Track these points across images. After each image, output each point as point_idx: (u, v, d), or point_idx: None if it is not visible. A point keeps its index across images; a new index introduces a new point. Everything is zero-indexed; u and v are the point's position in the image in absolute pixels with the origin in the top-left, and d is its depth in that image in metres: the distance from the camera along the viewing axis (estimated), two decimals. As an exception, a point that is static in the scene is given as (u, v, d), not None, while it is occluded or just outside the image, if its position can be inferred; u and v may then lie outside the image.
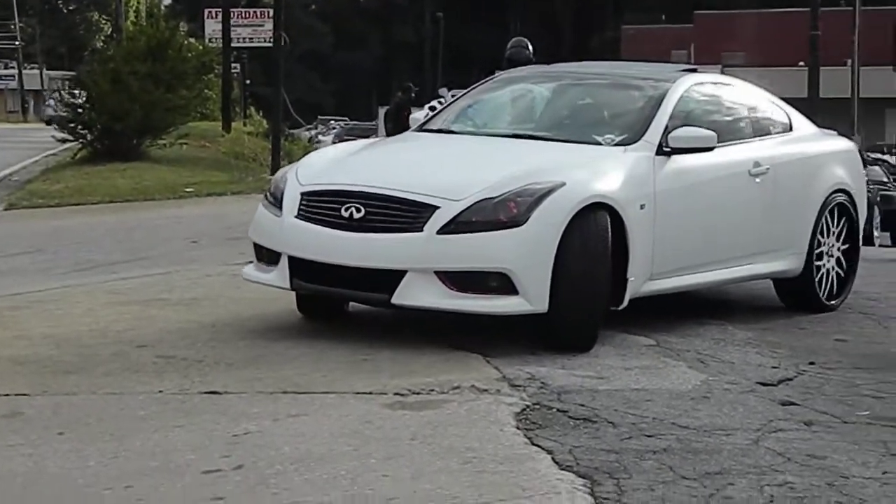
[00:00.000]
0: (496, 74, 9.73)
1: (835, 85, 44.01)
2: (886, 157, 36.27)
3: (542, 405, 6.21)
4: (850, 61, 45.24)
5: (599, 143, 8.26)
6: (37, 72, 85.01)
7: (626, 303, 7.79)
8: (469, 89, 9.62)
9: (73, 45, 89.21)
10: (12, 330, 7.99)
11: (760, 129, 9.28)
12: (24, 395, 6.35)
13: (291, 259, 7.63)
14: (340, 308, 8.34)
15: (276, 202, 7.88)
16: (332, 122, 66.72)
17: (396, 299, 7.29)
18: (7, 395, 6.35)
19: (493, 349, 7.34)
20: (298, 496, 4.87)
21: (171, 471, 5.17)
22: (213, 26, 38.57)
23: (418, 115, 9.52)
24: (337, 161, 8.21)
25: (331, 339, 7.63)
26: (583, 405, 6.25)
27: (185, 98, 28.07)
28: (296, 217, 7.67)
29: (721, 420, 6.14)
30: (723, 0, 65.56)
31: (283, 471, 5.15)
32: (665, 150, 8.17)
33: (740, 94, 9.43)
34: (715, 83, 9.30)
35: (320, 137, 50.49)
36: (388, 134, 18.78)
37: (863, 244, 10.06)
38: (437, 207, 7.30)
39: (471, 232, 7.25)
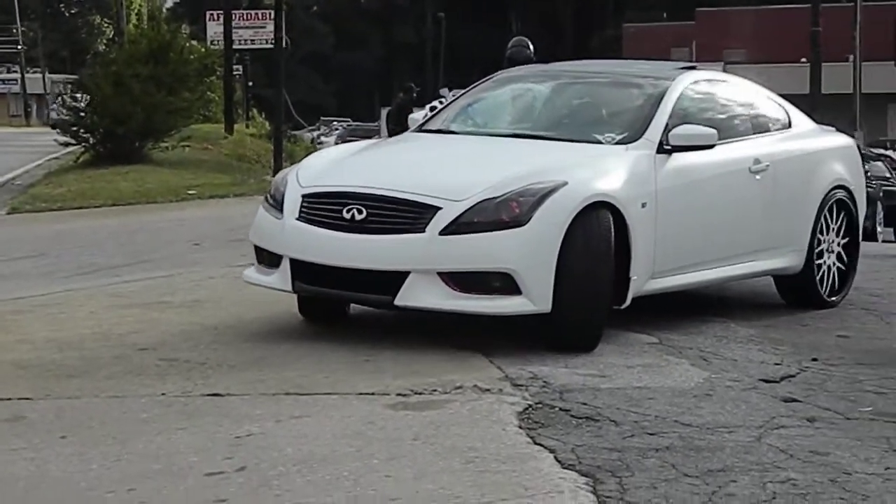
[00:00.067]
0: (494, 74, 9.71)
1: (837, 81, 44.01)
2: (889, 152, 36.19)
3: (545, 404, 6.21)
4: (851, 57, 45.21)
5: (600, 142, 8.26)
6: (39, 75, 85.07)
7: (628, 302, 7.78)
8: (468, 89, 9.62)
9: (76, 48, 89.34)
10: (15, 334, 8.00)
11: (759, 125, 9.28)
12: (27, 398, 6.35)
13: (293, 261, 7.61)
14: (341, 310, 8.32)
15: (277, 204, 7.85)
16: (335, 122, 66.76)
17: (399, 301, 7.27)
18: (10, 399, 6.35)
19: (496, 349, 7.34)
20: (301, 497, 4.87)
21: (174, 473, 5.17)
22: (214, 28, 38.63)
23: (417, 116, 9.51)
24: (337, 162, 8.19)
25: (333, 340, 7.63)
26: (585, 404, 6.25)
27: (187, 100, 28.13)
28: (297, 219, 7.65)
29: (723, 417, 6.14)
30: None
31: (285, 472, 5.15)
32: (666, 148, 8.16)
33: (739, 90, 9.43)
34: (713, 80, 9.30)
35: (323, 138, 50.55)
36: (391, 134, 18.78)
37: (865, 240, 10.07)
38: (440, 208, 7.28)
39: (473, 232, 7.23)
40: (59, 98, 28.39)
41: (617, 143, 8.20)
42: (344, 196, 7.55)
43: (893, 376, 7.25)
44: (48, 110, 68.54)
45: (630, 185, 7.77)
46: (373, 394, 6.37)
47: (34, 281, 10.90)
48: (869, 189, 24.11)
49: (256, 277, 8.02)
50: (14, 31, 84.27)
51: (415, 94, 23.55)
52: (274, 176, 15.12)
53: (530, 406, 6.17)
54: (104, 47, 74.12)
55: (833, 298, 9.50)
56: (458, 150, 8.42)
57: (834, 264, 9.54)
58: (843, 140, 10.17)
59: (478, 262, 7.23)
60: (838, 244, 9.57)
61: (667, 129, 8.23)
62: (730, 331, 8.41)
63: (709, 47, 58.39)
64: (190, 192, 21.65)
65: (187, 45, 32.67)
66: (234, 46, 37.30)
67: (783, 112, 9.60)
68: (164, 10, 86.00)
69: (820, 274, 9.39)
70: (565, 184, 7.40)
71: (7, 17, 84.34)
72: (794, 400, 6.57)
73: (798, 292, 9.44)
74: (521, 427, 5.81)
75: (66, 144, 26.76)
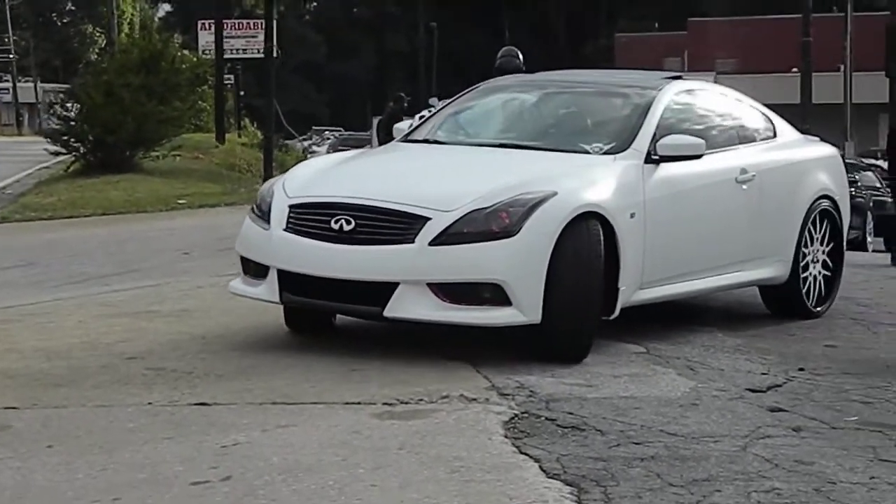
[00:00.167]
0: (480, 83, 9.71)
1: (828, 91, 44.10)
2: (880, 162, 36.22)
3: (531, 414, 6.22)
4: (842, 67, 45.29)
5: (588, 152, 8.24)
6: (31, 85, 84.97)
7: (617, 312, 7.78)
8: (453, 99, 9.62)
9: (68, 57, 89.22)
10: (3, 343, 7.99)
11: (745, 135, 9.30)
12: (14, 408, 6.35)
13: (281, 272, 7.56)
14: (328, 321, 8.28)
15: (264, 215, 7.82)
16: (327, 132, 66.67)
17: (389, 312, 7.25)
18: (-4, 408, 6.35)
19: (482, 358, 7.35)
20: (286, 507, 4.88)
21: (159, 483, 5.17)
22: (206, 38, 38.69)
23: (402, 126, 9.50)
24: (324, 173, 8.16)
25: (321, 350, 7.64)
26: (571, 413, 6.25)
27: (178, 110, 28.13)
28: (284, 230, 7.61)
29: (709, 427, 6.15)
30: (716, 7, 65.64)
31: (270, 481, 5.15)
32: (653, 158, 8.16)
33: (724, 100, 9.46)
34: (699, 90, 9.32)
35: (314, 148, 50.49)
36: (382, 144, 18.79)
37: (855, 249, 10.10)
38: (429, 219, 7.26)
39: (463, 243, 7.21)
40: (53, 108, 28.35)
41: (605, 153, 8.19)
42: (332, 206, 7.52)
43: (880, 386, 7.27)
44: (40, 120, 68.51)
45: (619, 195, 7.77)
46: (359, 403, 6.38)
47: (23, 290, 10.90)
48: (859, 199, 24.29)
49: (243, 289, 7.98)
50: (6, 40, 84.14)
51: (405, 104, 23.58)
52: (264, 185, 15.09)
53: (516, 415, 6.18)
54: (96, 56, 74.02)
55: (818, 309, 9.52)
56: (446, 161, 8.40)
57: (820, 273, 9.56)
58: (827, 150, 10.20)
59: (467, 272, 7.21)
60: (823, 252, 9.60)
61: (654, 139, 8.23)
62: (717, 340, 8.42)
63: (700, 57, 58.49)
64: (180, 201, 21.66)
65: (179, 54, 32.71)
66: (226, 56, 37.31)
67: (768, 122, 9.62)
68: (156, 19, 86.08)
69: (806, 286, 9.41)
70: (555, 194, 7.40)
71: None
72: (781, 409, 6.59)
73: (783, 303, 9.46)
74: (506, 436, 5.81)
75: (57, 154, 26.73)
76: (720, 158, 8.81)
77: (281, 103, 39.83)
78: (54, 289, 10.88)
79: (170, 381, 6.88)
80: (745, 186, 8.90)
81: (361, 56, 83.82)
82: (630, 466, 5.42)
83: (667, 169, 8.21)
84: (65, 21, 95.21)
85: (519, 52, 13.94)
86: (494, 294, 7.20)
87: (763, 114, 9.66)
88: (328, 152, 35.01)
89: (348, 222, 7.37)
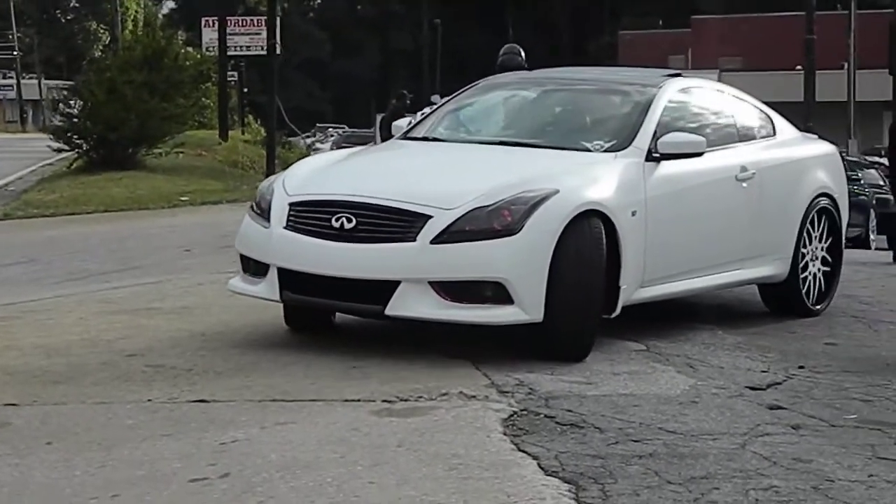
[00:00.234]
0: (479, 81, 9.69)
1: (831, 88, 44.07)
2: (883, 160, 36.18)
3: (530, 411, 6.22)
4: (846, 65, 45.25)
5: (588, 150, 8.21)
6: (35, 81, 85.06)
7: (618, 311, 7.76)
8: (452, 96, 9.60)
9: (72, 54, 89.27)
10: (4, 340, 7.99)
11: (745, 133, 9.28)
12: (13, 405, 6.35)
13: (281, 271, 7.53)
14: (327, 320, 8.26)
15: (263, 213, 7.78)
16: (331, 129, 66.71)
17: (390, 310, 7.21)
18: (-4, 405, 6.36)
19: (482, 356, 7.34)
20: (284, 504, 4.88)
21: (158, 479, 5.17)
22: (210, 35, 38.68)
23: (401, 123, 9.48)
24: (323, 170, 8.14)
25: (321, 347, 7.63)
26: (570, 411, 6.25)
27: (181, 107, 28.16)
28: (284, 228, 7.57)
29: (708, 425, 6.14)
30: (720, 5, 65.60)
31: (269, 478, 5.15)
32: (654, 155, 8.14)
33: (723, 98, 9.44)
34: (699, 87, 9.31)
35: (318, 145, 50.43)
36: (384, 141, 18.79)
37: (858, 247, 10.10)
38: (430, 217, 7.22)
39: (465, 241, 7.17)
40: (59, 105, 28.36)
41: (605, 151, 8.16)
42: (333, 204, 7.48)
43: (880, 384, 7.27)
44: (43, 116, 68.54)
45: (620, 193, 7.75)
46: (358, 400, 6.38)
47: (24, 287, 10.92)
48: (862, 197, 24.24)
49: (242, 287, 7.94)
50: (10, 36, 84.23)
51: (408, 101, 23.57)
52: (266, 183, 15.09)
53: (515, 413, 6.17)
54: (100, 53, 74.09)
55: (817, 307, 9.52)
56: (447, 158, 8.37)
57: (819, 271, 9.56)
58: (826, 147, 10.20)
59: (469, 271, 7.17)
60: (822, 250, 9.60)
61: (655, 137, 8.22)
62: (717, 338, 8.42)
63: (704, 55, 58.49)
64: (182, 198, 21.68)
65: (182, 51, 32.74)
66: (230, 53, 37.34)
67: (767, 119, 9.62)
68: (160, 16, 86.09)
69: (806, 285, 9.41)
70: (557, 192, 7.37)
71: (3, 23, 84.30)
72: (780, 407, 6.58)
73: (782, 301, 9.45)
74: (505, 434, 5.81)
75: (60, 150, 26.76)
76: (720, 156, 8.79)
77: (285, 100, 39.82)
78: (55, 285, 10.89)
79: (169, 378, 6.88)
80: (745, 184, 8.89)
81: (365, 54, 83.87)
82: (628, 464, 5.42)
83: (667, 167, 8.19)
84: (69, 18, 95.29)
85: (521, 50, 13.95)
86: (496, 292, 7.17)
87: (762, 111, 9.65)
88: (332, 149, 34.99)
89: (349, 220, 7.34)
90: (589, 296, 7.37)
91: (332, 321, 8.28)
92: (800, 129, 10.23)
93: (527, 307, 7.17)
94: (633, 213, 7.79)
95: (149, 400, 6.41)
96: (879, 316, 9.62)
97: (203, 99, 35.99)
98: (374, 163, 8.63)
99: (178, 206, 20.82)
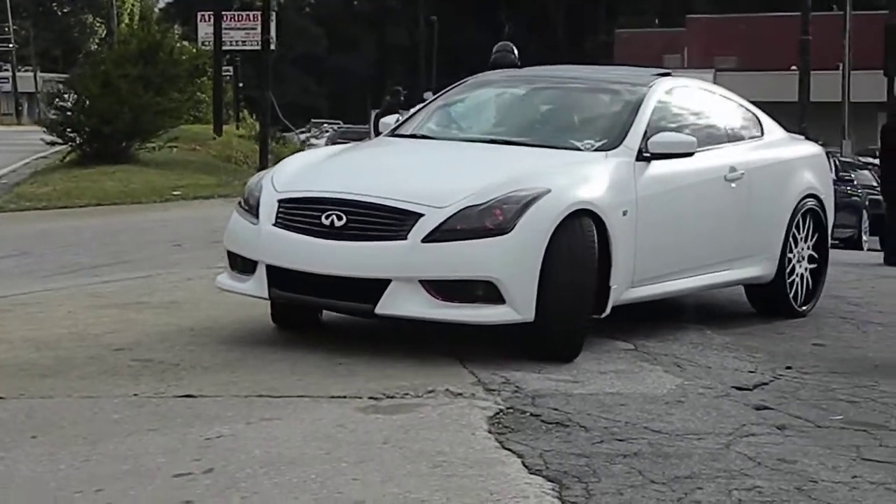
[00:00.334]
0: (467, 78, 9.67)
1: (826, 89, 44.07)
2: (877, 161, 36.20)
3: (516, 409, 6.22)
4: (841, 65, 45.27)
5: (579, 149, 8.20)
6: (31, 74, 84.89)
7: (608, 311, 7.75)
8: (440, 93, 9.58)
9: (68, 47, 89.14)
10: (-7, 333, 8.00)
11: (734, 133, 9.30)
12: (0, 398, 6.35)
13: (269, 268, 7.49)
14: (314, 317, 8.22)
15: (252, 209, 7.74)
16: (326, 125, 66.67)
17: (380, 309, 7.18)
18: (-18, 398, 6.36)
19: (470, 353, 7.35)
20: (267, 500, 4.88)
21: (142, 474, 5.17)
22: (205, 29, 38.59)
23: (388, 120, 9.45)
24: (313, 167, 8.09)
25: (308, 344, 7.63)
26: (556, 409, 6.26)
27: (175, 101, 28.07)
28: (273, 225, 7.53)
29: (694, 424, 6.16)
30: (715, 4, 65.61)
31: (253, 474, 5.16)
32: (645, 155, 8.14)
33: (713, 98, 9.44)
34: (688, 87, 9.30)
35: (313, 140, 50.47)
36: (378, 137, 18.76)
37: (850, 248, 10.12)
38: (422, 215, 7.19)
39: (456, 240, 7.14)
40: (53, 98, 28.27)
41: (596, 150, 8.15)
42: (322, 202, 7.45)
43: (867, 385, 7.29)
44: (39, 109, 68.43)
45: (611, 192, 7.74)
46: (344, 397, 6.38)
47: (15, 280, 10.90)
48: (855, 198, 24.25)
49: (230, 284, 7.90)
50: (6, 29, 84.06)
51: (402, 98, 23.55)
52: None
53: (501, 411, 6.18)
54: (96, 47, 73.99)
55: (803, 308, 9.54)
56: (438, 156, 8.34)
57: (806, 271, 9.58)
58: (813, 149, 10.23)
59: (461, 270, 7.14)
60: (808, 249, 9.61)
61: (645, 137, 8.22)
62: (706, 338, 8.43)
63: (700, 54, 58.48)
64: (175, 192, 21.65)
65: (178, 45, 32.68)
66: (225, 48, 37.27)
67: (756, 120, 9.63)
68: (156, 10, 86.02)
69: (793, 289, 9.43)
70: (549, 191, 7.34)
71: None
72: (766, 408, 6.60)
73: (768, 302, 9.47)
74: (490, 432, 5.82)
75: (53, 143, 26.70)
76: (710, 156, 8.79)
77: (280, 96, 39.81)
78: (46, 279, 10.88)
79: (156, 372, 6.88)
80: (733, 185, 8.90)
81: (362, 49, 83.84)
82: (612, 463, 5.43)
83: (658, 167, 8.19)
84: (65, 11, 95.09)
85: (514, 48, 13.96)
86: (487, 292, 7.14)
87: (751, 112, 9.66)
88: (327, 145, 34.97)
89: (339, 218, 7.30)
90: (580, 295, 7.35)
91: (319, 318, 8.26)
92: (793, 130, 10.25)
93: (518, 307, 7.15)
94: (624, 213, 7.78)
95: (135, 394, 6.42)
96: (868, 317, 9.64)
97: (198, 93, 35.93)
98: (365, 160, 8.58)
99: (170, 201, 20.78)
